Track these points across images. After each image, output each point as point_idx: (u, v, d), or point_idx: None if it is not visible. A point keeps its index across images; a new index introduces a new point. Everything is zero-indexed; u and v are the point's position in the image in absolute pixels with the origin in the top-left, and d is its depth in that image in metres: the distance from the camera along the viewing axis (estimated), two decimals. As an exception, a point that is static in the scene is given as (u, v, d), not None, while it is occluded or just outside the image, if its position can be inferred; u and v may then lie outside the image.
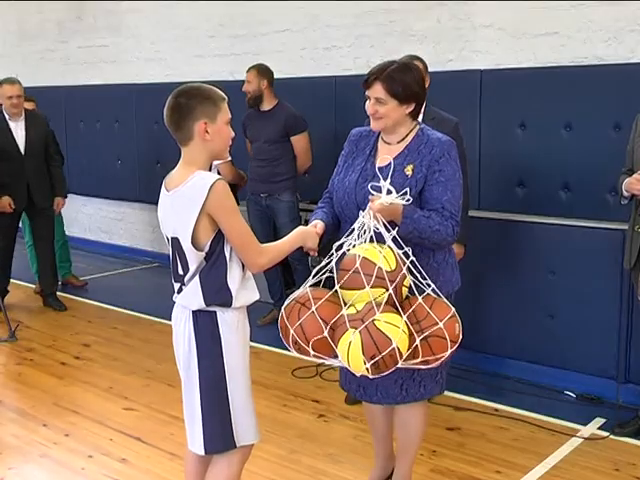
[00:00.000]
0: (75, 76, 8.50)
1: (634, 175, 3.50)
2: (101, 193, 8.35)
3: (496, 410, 4.13)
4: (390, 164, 2.81)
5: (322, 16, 6.30)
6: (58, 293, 6.61)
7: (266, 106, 5.47)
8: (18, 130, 5.98)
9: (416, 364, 2.58)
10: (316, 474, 3.50)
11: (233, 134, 2.61)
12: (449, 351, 2.55)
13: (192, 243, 2.47)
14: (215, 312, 2.55)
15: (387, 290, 2.52)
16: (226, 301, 2.54)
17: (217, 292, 2.53)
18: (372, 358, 2.44)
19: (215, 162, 5.92)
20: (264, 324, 5.72)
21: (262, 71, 5.45)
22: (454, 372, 4.59)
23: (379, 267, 2.53)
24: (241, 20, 6.86)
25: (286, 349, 5.42)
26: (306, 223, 5.49)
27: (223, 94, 2.58)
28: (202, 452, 2.62)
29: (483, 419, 4.03)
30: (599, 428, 3.91)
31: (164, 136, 6.28)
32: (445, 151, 2.80)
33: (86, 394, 4.51)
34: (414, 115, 2.86)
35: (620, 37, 4.83)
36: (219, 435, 2.59)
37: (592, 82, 4.81)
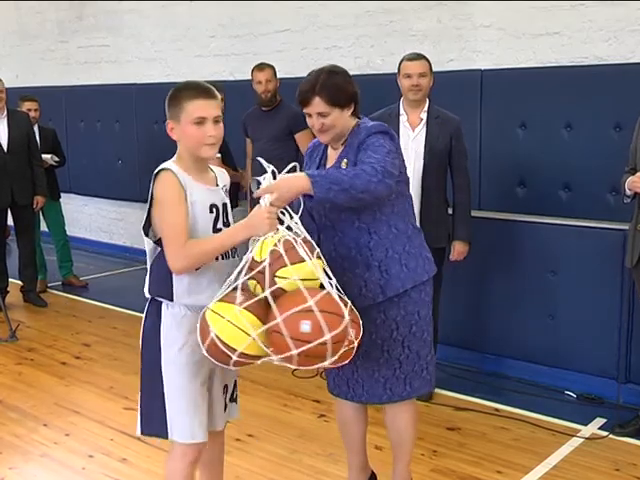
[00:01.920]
0: (75, 76, 8.50)
1: (637, 174, 3.50)
2: (101, 193, 8.35)
3: (496, 410, 4.13)
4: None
5: (322, 16, 6.30)
6: (60, 292, 6.63)
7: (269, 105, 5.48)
8: (0, 128, 6.04)
9: (281, 360, 2.36)
10: (317, 474, 3.50)
11: (209, 133, 2.50)
12: (295, 350, 2.28)
13: (143, 229, 2.50)
14: (161, 303, 2.53)
15: (257, 281, 2.38)
16: (167, 294, 2.49)
17: (159, 283, 2.51)
18: (203, 344, 2.37)
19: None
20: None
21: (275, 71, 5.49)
22: (454, 372, 4.62)
23: (251, 257, 2.41)
24: (241, 20, 6.86)
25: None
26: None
27: (197, 92, 2.50)
28: (139, 433, 2.67)
29: (483, 419, 4.03)
30: (600, 428, 3.91)
31: (164, 136, 6.26)
32: (370, 132, 2.72)
33: (87, 394, 4.51)
34: (355, 114, 2.82)
35: (620, 37, 4.83)
36: (153, 419, 2.60)
37: (592, 82, 4.80)
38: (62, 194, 6.98)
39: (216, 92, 2.57)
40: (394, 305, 2.76)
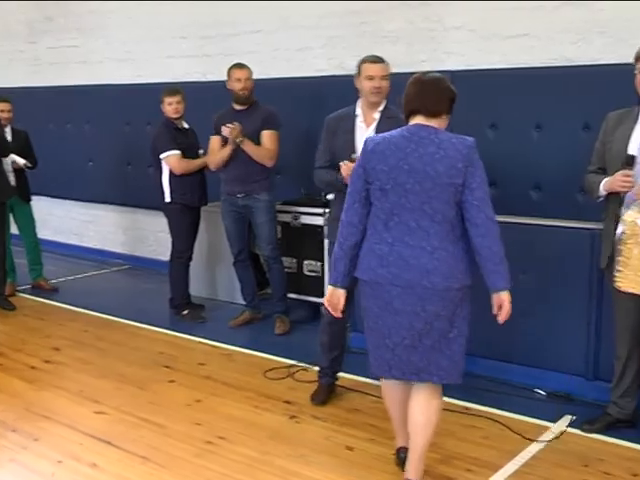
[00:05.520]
0: (45, 77, 8.42)
1: (619, 173, 3.52)
2: (72, 195, 8.29)
3: (466, 409, 4.13)
4: None
5: (294, 17, 6.31)
6: (28, 296, 6.56)
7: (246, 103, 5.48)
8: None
9: None
10: (288, 475, 3.49)
11: None
12: None
13: None
14: None
15: None
16: None
17: None
18: None
19: (162, 155, 5.99)
20: (236, 325, 5.71)
21: None
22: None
23: None
24: (213, 21, 6.84)
25: (258, 350, 5.44)
26: (286, 225, 5.55)
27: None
28: None
29: (453, 417, 4.03)
30: (569, 425, 3.93)
31: (135, 137, 6.27)
32: None
33: (57, 398, 4.45)
34: None
35: (588, 39, 4.89)
36: None
37: (562, 83, 4.86)
38: (32, 196, 6.90)
39: None
40: None
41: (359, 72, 4.11)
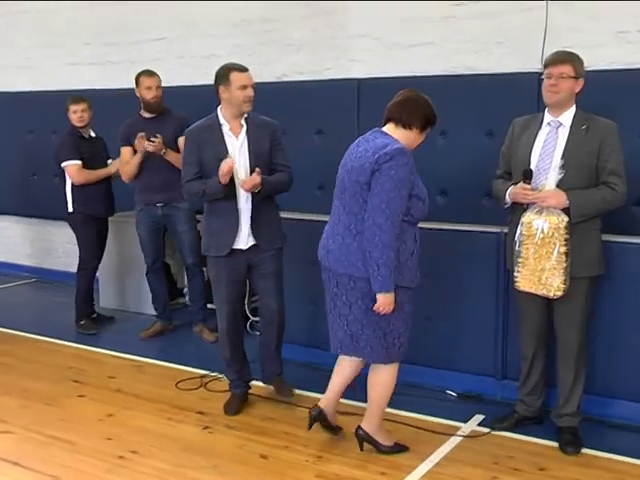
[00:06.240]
0: (-59, 84, 8.09)
1: (518, 186, 3.62)
2: (-27, 207, 7.98)
3: (379, 412, 4.17)
4: None
5: (200, 24, 6.27)
6: None
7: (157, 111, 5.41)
8: None
9: None
10: (202, 487, 3.45)
11: None
12: None
13: None
14: None
15: None
16: None
17: None
18: None
19: (62, 164, 5.83)
20: (147, 337, 5.61)
21: None
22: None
23: None
24: (117, 27, 6.73)
25: (170, 361, 5.35)
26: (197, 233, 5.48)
27: None
28: None
29: (367, 422, 4.06)
30: (479, 424, 4.03)
31: (40, 147, 6.10)
32: None
33: (-43, 418, 4.28)
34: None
35: (489, 49, 5.05)
36: None
37: (464, 91, 4.99)
38: None
39: None
40: None
41: (227, 81, 3.97)
